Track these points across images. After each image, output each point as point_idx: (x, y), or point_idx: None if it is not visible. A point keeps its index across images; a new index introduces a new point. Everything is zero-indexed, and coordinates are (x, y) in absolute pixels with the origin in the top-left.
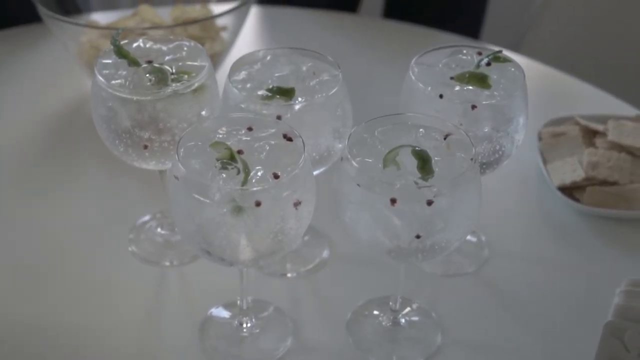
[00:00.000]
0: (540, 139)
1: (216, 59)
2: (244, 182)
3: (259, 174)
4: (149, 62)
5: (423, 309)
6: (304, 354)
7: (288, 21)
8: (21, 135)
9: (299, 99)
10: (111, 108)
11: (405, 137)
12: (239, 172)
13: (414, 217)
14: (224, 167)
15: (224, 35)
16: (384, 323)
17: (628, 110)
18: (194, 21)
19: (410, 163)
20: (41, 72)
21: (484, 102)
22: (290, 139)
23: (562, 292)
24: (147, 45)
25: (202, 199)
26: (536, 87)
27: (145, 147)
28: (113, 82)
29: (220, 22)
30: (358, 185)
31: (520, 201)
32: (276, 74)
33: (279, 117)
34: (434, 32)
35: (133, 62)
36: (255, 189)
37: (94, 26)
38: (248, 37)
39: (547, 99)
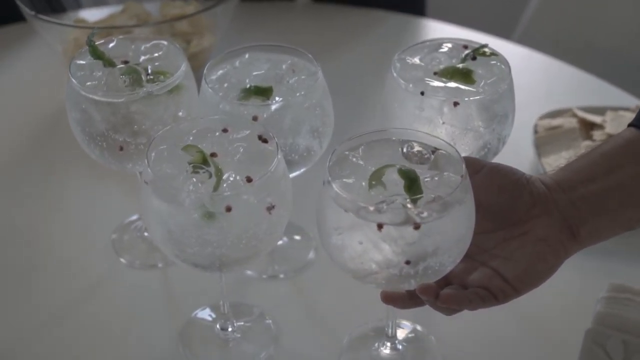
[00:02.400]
0: (535, 132)
1: (204, 56)
2: (216, 186)
3: (232, 177)
4: (125, 62)
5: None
6: (287, 358)
7: (276, 15)
8: (4, 136)
9: (276, 98)
10: (85, 111)
11: (391, 152)
12: (210, 176)
13: (402, 242)
14: (195, 171)
15: (213, 31)
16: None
17: (629, 100)
18: (181, 17)
19: (397, 182)
20: (25, 72)
21: (466, 99)
22: (265, 141)
23: (548, 294)
24: (124, 45)
25: (171, 204)
26: (532, 77)
27: (121, 148)
28: (88, 83)
29: (208, 18)
30: (344, 210)
31: None
32: (254, 73)
33: (254, 118)
34: (378, 12)
35: (108, 63)
36: (225, 193)
37: (80, 25)
38: (237, 33)
39: (544, 90)
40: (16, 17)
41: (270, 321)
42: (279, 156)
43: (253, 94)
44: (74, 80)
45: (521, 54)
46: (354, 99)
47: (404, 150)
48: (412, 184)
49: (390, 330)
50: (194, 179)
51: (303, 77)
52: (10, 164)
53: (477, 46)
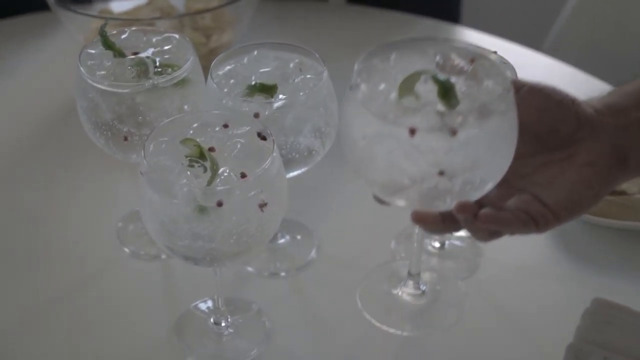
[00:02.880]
0: None
1: (222, 52)
2: (210, 180)
3: (226, 173)
4: (135, 54)
5: None
6: (279, 356)
7: (305, 14)
8: (23, 123)
9: (280, 96)
10: (92, 99)
11: (424, 62)
12: (206, 170)
13: (436, 150)
14: (191, 165)
15: (234, 28)
16: None
17: None
18: (200, 11)
19: (430, 93)
20: (46, 61)
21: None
22: (264, 138)
23: (555, 305)
24: (136, 37)
25: (164, 196)
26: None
27: (126, 139)
28: (98, 73)
29: (231, 13)
30: (371, 113)
31: None
32: (261, 70)
33: (256, 115)
34: (409, 17)
35: (118, 53)
36: (218, 188)
37: (102, 16)
38: (263, 30)
39: None
40: (39, 5)
41: (266, 318)
42: (274, 154)
43: (257, 91)
44: (82, 69)
45: (546, 64)
46: None
47: (438, 60)
48: (446, 92)
49: (413, 268)
50: (189, 172)
51: (309, 76)
52: (27, 149)
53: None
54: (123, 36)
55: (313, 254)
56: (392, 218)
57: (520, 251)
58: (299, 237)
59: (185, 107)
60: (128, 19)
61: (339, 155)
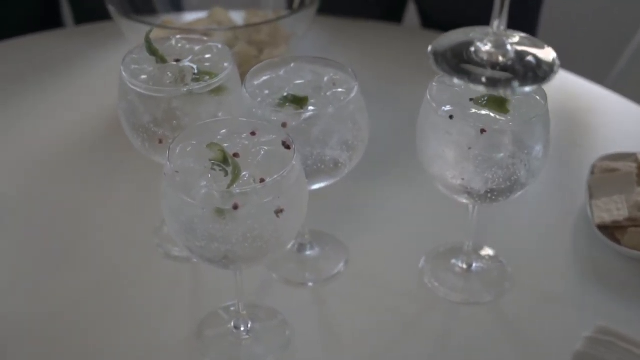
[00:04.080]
0: (592, 172)
1: None
2: (231, 184)
3: (246, 177)
4: (177, 60)
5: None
6: None
7: (340, 32)
8: (77, 129)
9: (310, 108)
10: (131, 102)
11: None
12: (227, 174)
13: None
14: (212, 169)
15: (289, 43)
16: None
17: None
18: (254, 24)
19: None
20: (110, 69)
21: (493, 127)
22: (288, 147)
23: (536, 323)
24: (180, 45)
25: (184, 198)
26: (608, 120)
27: (160, 141)
28: (142, 77)
29: (287, 30)
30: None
31: (557, 235)
32: (295, 82)
33: (284, 125)
34: None
35: (161, 59)
36: (235, 191)
37: (160, 25)
38: (308, 46)
39: (616, 134)
40: (99, 15)
41: (287, 327)
42: (294, 162)
43: (289, 102)
44: (123, 72)
45: (604, 97)
46: (395, 116)
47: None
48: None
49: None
50: (210, 175)
51: (341, 90)
52: (80, 153)
53: None
54: (167, 44)
55: (341, 267)
56: (422, 237)
57: (550, 278)
58: (328, 249)
59: (220, 114)
60: (184, 29)
61: (373, 171)
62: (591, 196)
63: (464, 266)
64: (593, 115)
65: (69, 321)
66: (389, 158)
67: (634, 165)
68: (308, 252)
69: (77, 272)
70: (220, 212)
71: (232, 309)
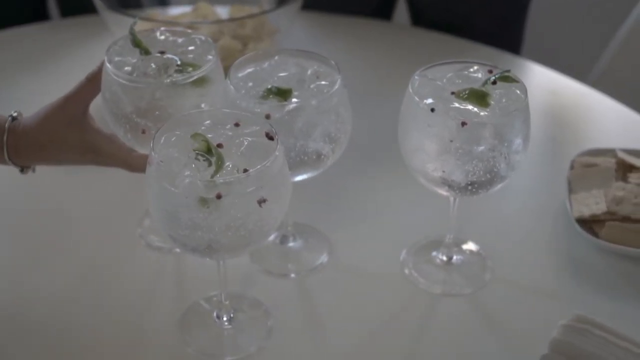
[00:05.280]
0: (572, 167)
1: None
2: (214, 174)
3: (230, 167)
4: (161, 52)
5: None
6: (278, 355)
7: (329, 27)
8: None
9: (293, 100)
10: (114, 92)
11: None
12: (210, 164)
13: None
14: (196, 158)
15: (273, 38)
16: None
17: None
18: (237, 18)
19: None
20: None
21: (474, 120)
22: (271, 138)
23: (514, 312)
24: (164, 37)
25: (168, 186)
26: (586, 115)
27: (143, 132)
28: (126, 68)
29: (271, 24)
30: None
31: (537, 229)
32: (279, 74)
33: (267, 116)
34: (470, 43)
35: (145, 51)
36: (219, 181)
37: (145, 18)
38: (294, 41)
39: (596, 130)
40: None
41: (270, 317)
42: (277, 152)
43: (272, 94)
44: (107, 63)
45: (585, 93)
46: (378, 109)
47: None
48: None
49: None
50: (193, 165)
51: (324, 83)
52: None
53: (501, 71)
54: (151, 36)
55: (324, 258)
56: (403, 229)
57: (530, 271)
58: (311, 240)
59: (203, 105)
60: (169, 22)
61: (355, 164)
62: (570, 191)
63: (445, 258)
64: (574, 111)
65: (51, 314)
66: (372, 151)
67: (613, 160)
68: (291, 244)
69: (59, 264)
70: (203, 201)
71: (215, 299)
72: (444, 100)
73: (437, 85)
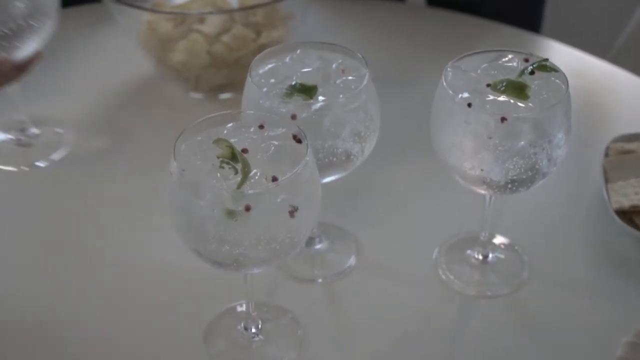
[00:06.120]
0: (606, 154)
1: None
2: (241, 183)
3: (257, 176)
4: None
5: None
6: None
7: (379, 14)
8: (76, 113)
9: (319, 98)
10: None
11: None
12: (237, 172)
13: None
14: (221, 166)
15: (289, 25)
16: None
17: None
18: (251, 7)
19: None
20: (103, 51)
21: (514, 115)
22: (299, 141)
23: (604, 329)
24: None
25: (192, 198)
26: (616, 97)
27: None
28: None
29: (284, 11)
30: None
31: (573, 222)
32: (302, 70)
33: (293, 117)
34: (489, 23)
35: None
36: (246, 191)
37: (152, 9)
38: (319, 29)
39: (628, 112)
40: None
41: (299, 326)
42: (307, 158)
43: (297, 92)
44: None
45: (610, 73)
46: (406, 102)
47: None
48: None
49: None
50: (219, 174)
51: (351, 78)
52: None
53: (538, 59)
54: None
55: (352, 260)
56: (435, 226)
57: (568, 266)
58: (337, 242)
59: None
60: (178, 13)
61: (382, 159)
62: (607, 180)
63: (480, 257)
64: (601, 93)
65: (70, 323)
66: (399, 144)
67: None
68: (317, 246)
69: (76, 270)
70: (230, 213)
71: (240, 309)
72: (479, 94)
73: (471, 77)
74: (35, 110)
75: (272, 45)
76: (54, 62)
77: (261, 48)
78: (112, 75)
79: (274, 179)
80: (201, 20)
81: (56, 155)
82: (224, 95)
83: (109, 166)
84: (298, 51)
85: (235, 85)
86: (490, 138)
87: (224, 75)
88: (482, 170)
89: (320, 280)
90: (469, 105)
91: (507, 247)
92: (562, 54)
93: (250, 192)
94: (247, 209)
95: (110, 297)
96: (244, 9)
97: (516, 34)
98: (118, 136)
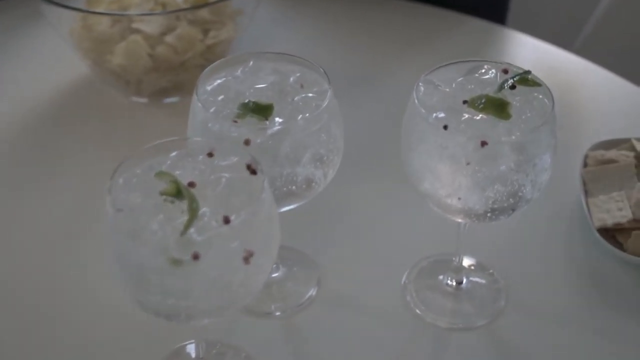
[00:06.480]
0: (585, 164)
1: (221, 49)
2: (187, 227)
3: (206, 215)
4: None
5: None
6: None
7: (301, 5)
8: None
9: (276, 119)
10: None
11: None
12: (182, 211)
13: None
14: (165, 204)
15: (237, 22)
16: None
17: None
18: (197, 6)
19: None
20: (32, 51)
21: (496, 139)
22: (254, 172)
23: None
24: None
25: (132, 243)
26: (589, 95)
27: None
28: None
29: (235, 5)
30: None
31: (551, 241)
32: (256, 86)
33: (246, 142)
34: (456, 15)
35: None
36: (194, 237)
37: (86, 10)
38: (263, 25)
39: (602, 112)
40: None
41: None
42: (265, 195)
43: (250, 112)
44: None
45: (581, 67)
46: (374, 115)
47: None
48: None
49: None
50: (161, 215)
51: (311, 95)
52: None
53: (519, 71)
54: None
55: (312, 290)
56: (403, 249)
57: (547, 291)
58: (296, 269)
59: None
60: (115, 14)
61: (346, 174)
62: (587, 193)
63: (453, 283)
64: (575, 90)
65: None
66: (364, 158)
67: (631, 154)
68: (274, 275)
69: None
70: (176, 262)
71: (188, 352)
72: (456, 113)
73: (446, 93)
74: None
75: (220, 46)
76: None
77: (209, 49)
78: (42, 79)
79: (226, 220)
80: (140, 20)
81: None
82: (170, 100)
83: (39, 188)
84: (251, 63)
85: (182, 88)
86: (468, 164)
87: (168, 79)
88: (459, 199)
89: (278, 313)
90: (445, 127)
91: (482, 271)
92: (528, 47)
93: (199, 238)
94: (196, 257)
95: (36, 339)
96: (187, 9)
97: (485, 27)
98: (50, 152)
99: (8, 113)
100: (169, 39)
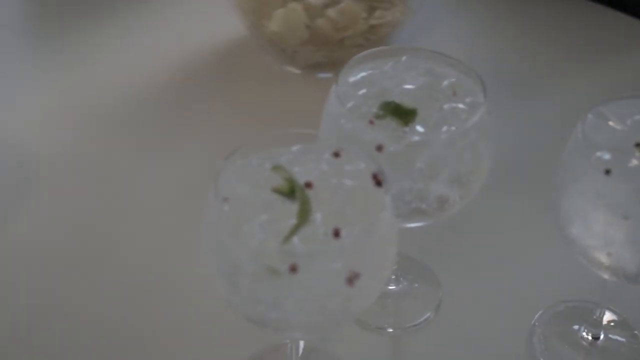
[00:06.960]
0: None
1: (384, 31)
2: (293, 231)
3: (316, 222)
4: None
5: None
6: None
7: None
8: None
9: (417, 127)
10: None
11: None
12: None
13: None
14: (275, 202)
15: (409, 4)
16: None
17: None
18: None
19: None
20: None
21: None
22: (379, 183)
23: None
24: None
25: (227, 240)
26: None
27: None
28: None
29: None
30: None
31: None
32: (404, 85)
33: (379, 148)
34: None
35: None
36: (298, 249)
37: None
38: (432, 11)
39: None
40: None
41: None
42: (385, 213)
43: (390, 113)
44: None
45: None
46: (547, 137)
47: None
48: None
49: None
50: (266, 215)
51: (462, 106)
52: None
53: None
54: None
55: (431, 312)
56: (540, 287)
57: None
58: (418, 285)
59: None
60: None
61: (489, 197)
62: None
63: (589, 337)
64: None
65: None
66: (513, 179)
67: None
68: (392, 286)
69: (116, 260)
70: (272, 270)
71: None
72: (623, 157)
73: (616, 131)
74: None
75: (384, 28)
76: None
77: (371, 30)
78: (196, 36)
79: (336, 233)
80: None
81: None
82: (323, 75)
83: (174, 148)
84: (404, 58)
85: (338, 64)
86: (626, 218)
87: (324, 54)
88: (608, 254)
89: (390, 330)
90: (607, 172)
91: (625, 329)
92: None
93: (301, 248)
94: (293, 269)
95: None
96: None
97: None
98: (193, 112)
99: (154, 68)
100: (331, 12)
